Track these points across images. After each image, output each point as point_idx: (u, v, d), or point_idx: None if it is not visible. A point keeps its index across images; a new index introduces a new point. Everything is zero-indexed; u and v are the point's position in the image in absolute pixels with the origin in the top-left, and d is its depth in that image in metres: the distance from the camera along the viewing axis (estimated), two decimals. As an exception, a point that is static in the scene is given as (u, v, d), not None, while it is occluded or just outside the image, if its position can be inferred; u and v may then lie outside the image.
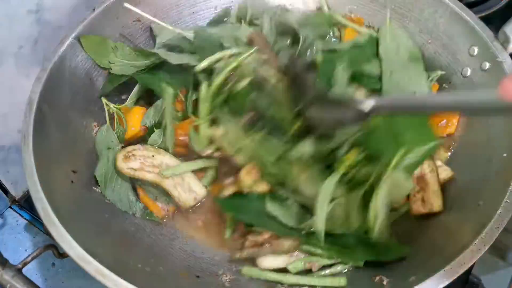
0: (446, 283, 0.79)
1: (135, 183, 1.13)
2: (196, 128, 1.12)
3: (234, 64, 1.10)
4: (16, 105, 1.13)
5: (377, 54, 1.22)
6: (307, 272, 1.00)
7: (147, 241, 1.07)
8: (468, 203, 0.97)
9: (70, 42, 1.11)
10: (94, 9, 1.16)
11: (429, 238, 0.98)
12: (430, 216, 1.04)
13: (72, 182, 1.03)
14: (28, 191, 1.30)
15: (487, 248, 0.82)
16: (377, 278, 0.93)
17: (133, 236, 1.06)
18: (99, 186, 1.08)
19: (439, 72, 1.19)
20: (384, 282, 0.91)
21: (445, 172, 1.07)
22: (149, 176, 1.08)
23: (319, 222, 0.92)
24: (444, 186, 1.06)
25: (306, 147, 0.99)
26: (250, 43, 1.17)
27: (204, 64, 1.12)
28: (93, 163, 1.11)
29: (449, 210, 1.02)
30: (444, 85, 1.20)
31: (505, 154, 0.97)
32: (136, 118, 1.18)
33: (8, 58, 1.16)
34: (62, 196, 0.96)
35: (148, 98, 1.24)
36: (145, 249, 1.04)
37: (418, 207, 1.04)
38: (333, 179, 0.95)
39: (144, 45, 1.29)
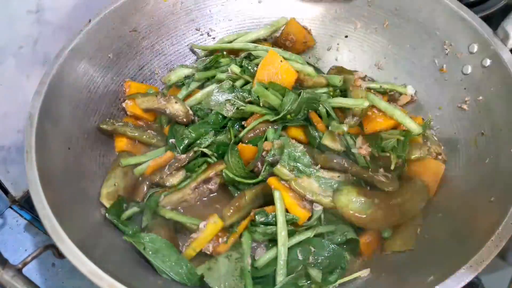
0: (467, 281, 0.74)
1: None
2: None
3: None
4: (16, 105, 1.09)
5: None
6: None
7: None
8: (480, 200, 0.91)
9: (67, 54, 1.03)
10: (90, 21, 1.09)
11: (444, 238, 0.93)
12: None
13: (78, 197, 0.96)
14: (28, 191, 1.23)
15: (504, 243, 0.78)
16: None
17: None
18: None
19: None
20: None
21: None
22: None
23: None
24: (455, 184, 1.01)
25: None
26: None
27: None
28: (97, 177, 1.05)
29: (460, 207, 0.96)
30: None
31: (513, 149, 0.91)
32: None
33: (8, 58, 1.09)
34: (70, 212, 0.88)
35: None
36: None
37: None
38: None
39: (143, 54, 1.23)
